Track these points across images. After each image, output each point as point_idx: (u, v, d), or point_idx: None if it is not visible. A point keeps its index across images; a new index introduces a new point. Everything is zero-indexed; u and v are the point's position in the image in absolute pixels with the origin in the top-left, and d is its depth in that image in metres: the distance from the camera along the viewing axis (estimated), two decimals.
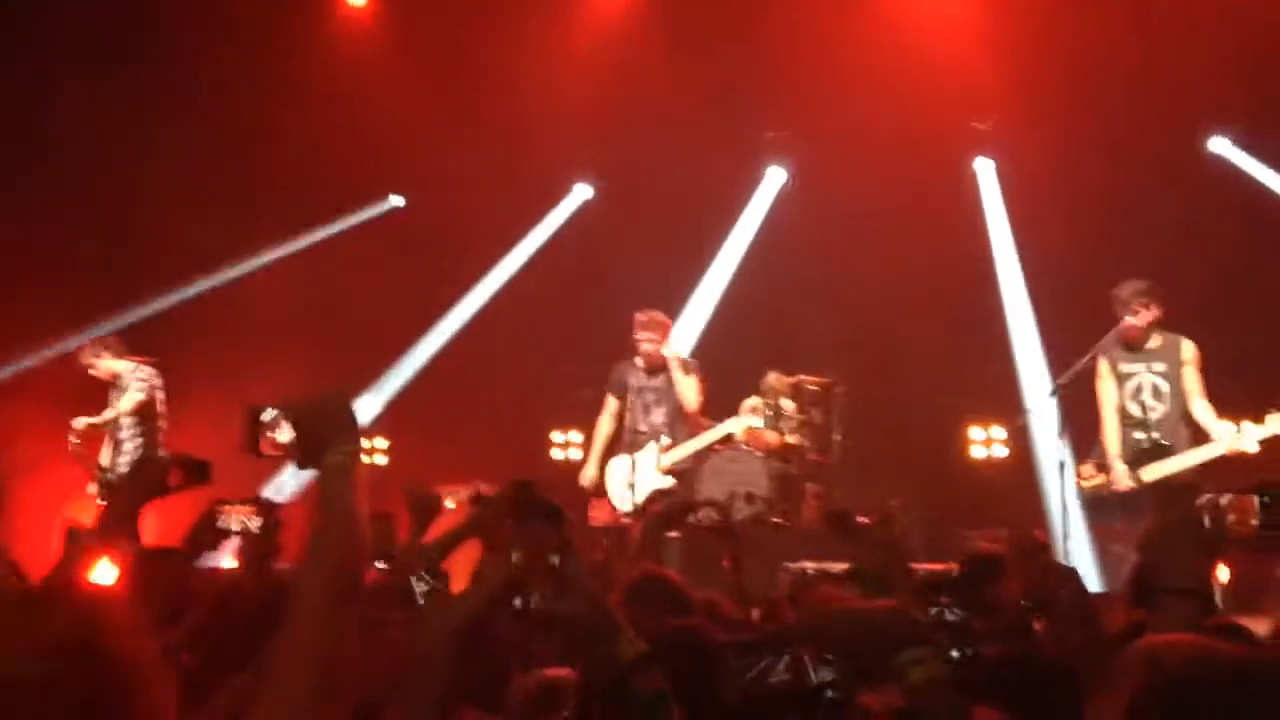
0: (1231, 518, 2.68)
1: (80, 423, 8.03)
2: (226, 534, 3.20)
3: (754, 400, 8.85)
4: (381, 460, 11.01)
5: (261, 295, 10.59)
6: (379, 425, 10.97)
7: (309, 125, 10.13)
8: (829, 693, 1.96)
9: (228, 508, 3.22)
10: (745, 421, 8.03)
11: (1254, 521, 2.54)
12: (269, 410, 2.03)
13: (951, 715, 2.12)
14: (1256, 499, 2.61)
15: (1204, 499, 2.43)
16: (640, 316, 7.94)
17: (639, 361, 7.99)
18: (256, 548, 3.23)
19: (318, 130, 10.13)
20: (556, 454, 10.80)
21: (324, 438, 1.83)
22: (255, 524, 3.22)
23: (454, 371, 10.94)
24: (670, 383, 7.90)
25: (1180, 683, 1.42)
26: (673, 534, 7.82)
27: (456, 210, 10.66)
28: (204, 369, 9.40)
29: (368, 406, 10.77)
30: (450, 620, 2.04)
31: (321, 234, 11.08)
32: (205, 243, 10.28)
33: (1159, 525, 2.32)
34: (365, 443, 10.66)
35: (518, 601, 2.02)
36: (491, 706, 2.19)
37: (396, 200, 11.45)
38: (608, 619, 1.97)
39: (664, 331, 7.99)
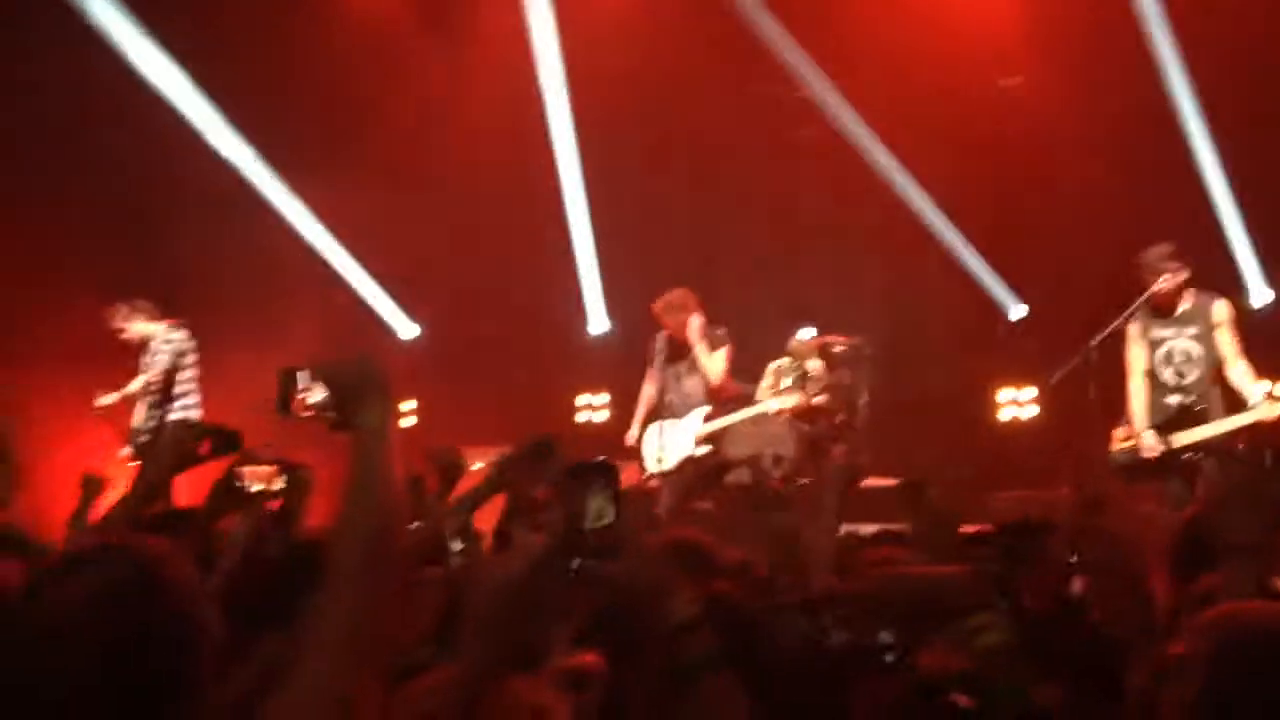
0: None
1: (103, 401, 8.10)
2: (248, 495, 3.20)
3: (778, 364, 8.85)
4: (410, 421, 11.08)
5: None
6: (408, 386, 11.03)
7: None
8: (889, 655, 1.93)
9: (249, 469, 3.22)
10: (780, 403, 8.06)
11: None
12: (302, 371, 2.03)
13: (1018, 685, 2.12)
14: None
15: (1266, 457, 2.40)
16: (657, 307, 7.99)
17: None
18: (280, 509, 3.24)
19: None
20: (582, 416, 10.84)
21: (358, 400, 1.83)
22: (277, 485, 3.22)
23: (480, 332, 10.96)
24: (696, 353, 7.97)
25: (1259, 649, 1.41)
26: (704, 504, 7.96)
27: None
28: (245, 327, 9.48)
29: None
30: (504, 579, 2.04)
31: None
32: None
33: (1225, 483, 2.30)
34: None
35: (575, 562, 2.00)
36: (536, 669, 2.19)
37: None
38: (659, 579, 1.94)
39: (681, 315, 7.97)
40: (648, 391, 8.22)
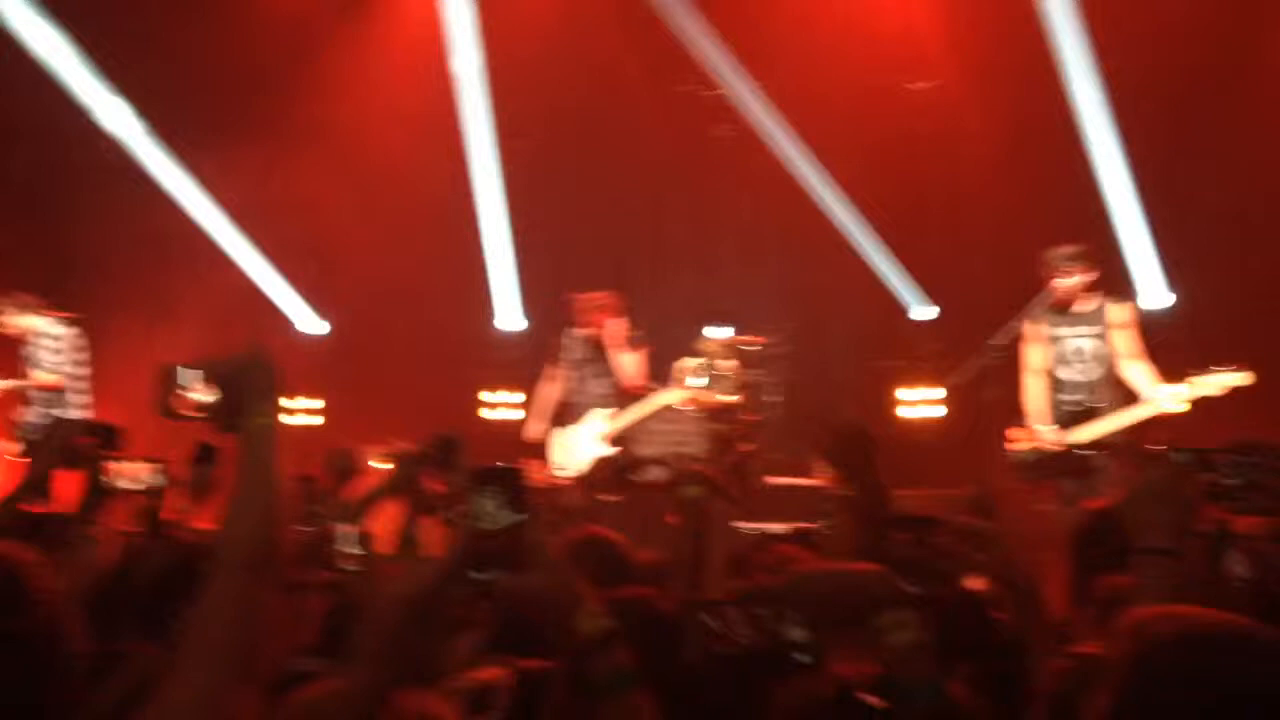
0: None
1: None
2: (116, 493, 3.08)
3: (688, 362, 8.82)
4: (317, 420, 10.86)
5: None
6: (314, 386, 10.81)
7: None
8: (800, 655, 1.88)
9: (117, 465, 3.10)
10: (674, 395, 8.00)
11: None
12: (186, 369, 1.93)
13: (931, 683, 2.09)
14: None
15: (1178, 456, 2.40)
16: (580, 303, 7.89)
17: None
18: (148, 507, 3.13)
19: None
20: (492, 414, 10.72)
21: (245, 399, 1.78)
22: (148, 482, 3.10)
23: (387, 332, 10.77)
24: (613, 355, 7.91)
25: (1181, 655, 1.38)
26: (613, 497, 7.88)
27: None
28: (139, 312, 9.19)
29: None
30: (406, 589, 1.98)
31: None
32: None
33: (1139, 483, 2.28)
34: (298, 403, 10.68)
35: (477, 574, 1.92)
36: (433, 683, 2.11)
37: None
38: (567, 591, 1.88)
39: (600, 315, 7.88)
40: (549, 390, 8.13)
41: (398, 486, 3.51)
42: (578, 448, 7.90)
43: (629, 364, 7.84)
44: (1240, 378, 6.39)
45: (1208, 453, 2.41)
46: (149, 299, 9.86)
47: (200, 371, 1.89)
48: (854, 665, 1.97)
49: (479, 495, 1.94)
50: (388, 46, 10.12)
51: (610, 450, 7.86)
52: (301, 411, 10.87)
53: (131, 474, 3.11)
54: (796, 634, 1.86)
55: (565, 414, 7.99)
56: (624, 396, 7.94)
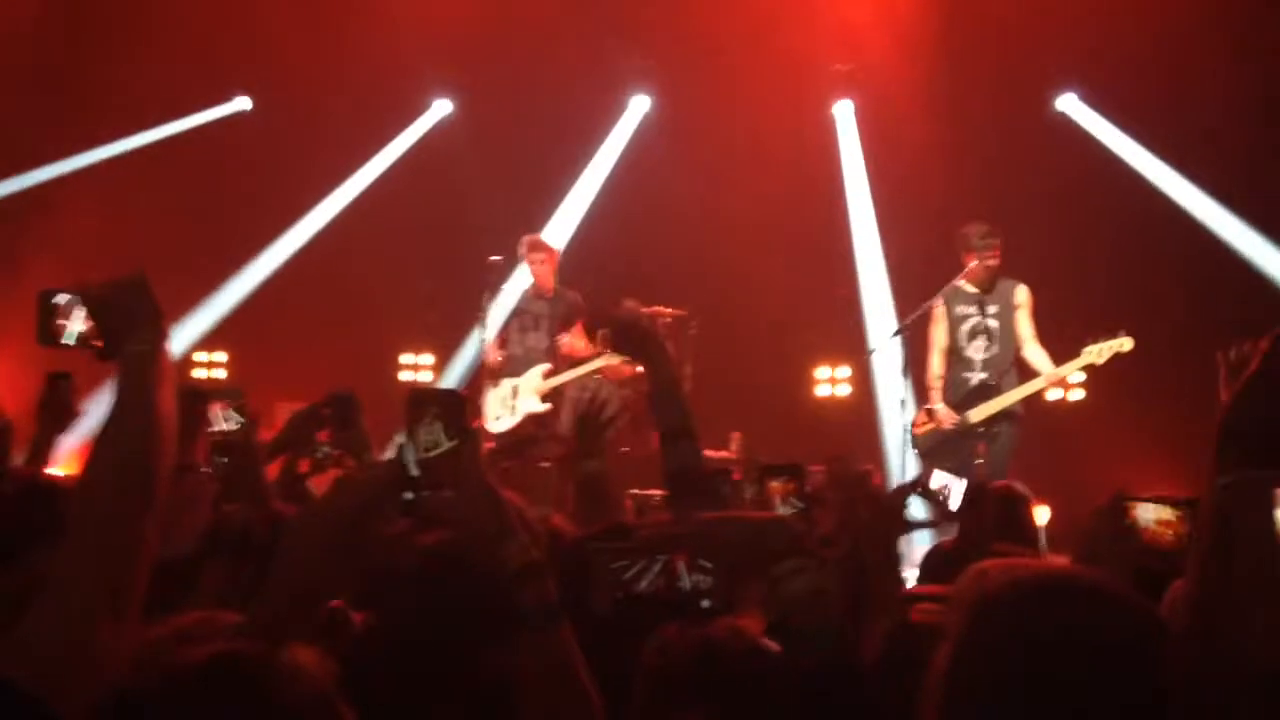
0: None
1: None
2: None
3: (605, 329, 8.83)
4: (221, 374, 10.64)
5: (96, 194, 10.01)
6: (219, 338, 10.60)
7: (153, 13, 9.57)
8: (705, 602, 1.88)
9: None
10: (619, 358, 8.05)
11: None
12: (65, 296, 1.87)
13: (828, 630, 2.10)
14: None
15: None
16: (528, 238, 8.06)
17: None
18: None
19: (160, 20, 9.57)
20: (405, 375, 10.61)
21: (124, 325, 1.72)
22: None
23: (301, 286, 10.57)
24: (550, 308, 8.01)
25: (1008, 599, 1.41)
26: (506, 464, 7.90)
27: (308, 115, 10.24)
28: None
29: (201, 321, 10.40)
30: (324, 515, 1.93)
31: (160, 133, 10.51)
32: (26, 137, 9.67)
33: (1094, 539, 2.36)
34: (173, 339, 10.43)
35: (408, 495, 1.88)
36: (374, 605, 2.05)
37: (243, 101, 10.90)
38: (499, 520, 1.82)
39: (552, 257, 8.07)
40: (484, 339, 8.04)
41: (286, 443, 3.48)
42: (515, 402, 7.90)
43: (580, 335, 7.97)
44: (1123, 344, 6.66)
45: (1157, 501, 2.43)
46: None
47: (77, 296, 1.84)
48: (752, 623, 2.01)
49: (417, 420, 1.91)
50: None
51: (543, 407, 7.90)
52: (203, 365, 10.66)
53: None
54: (700, 580, 1.87)
55: (502, 368, 8.02)
56: (560, 356, 8.01)
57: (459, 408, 1.92)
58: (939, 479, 2.89)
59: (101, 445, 1.65)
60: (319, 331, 10.20)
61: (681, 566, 1.86)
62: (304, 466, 3.63)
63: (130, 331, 1.72)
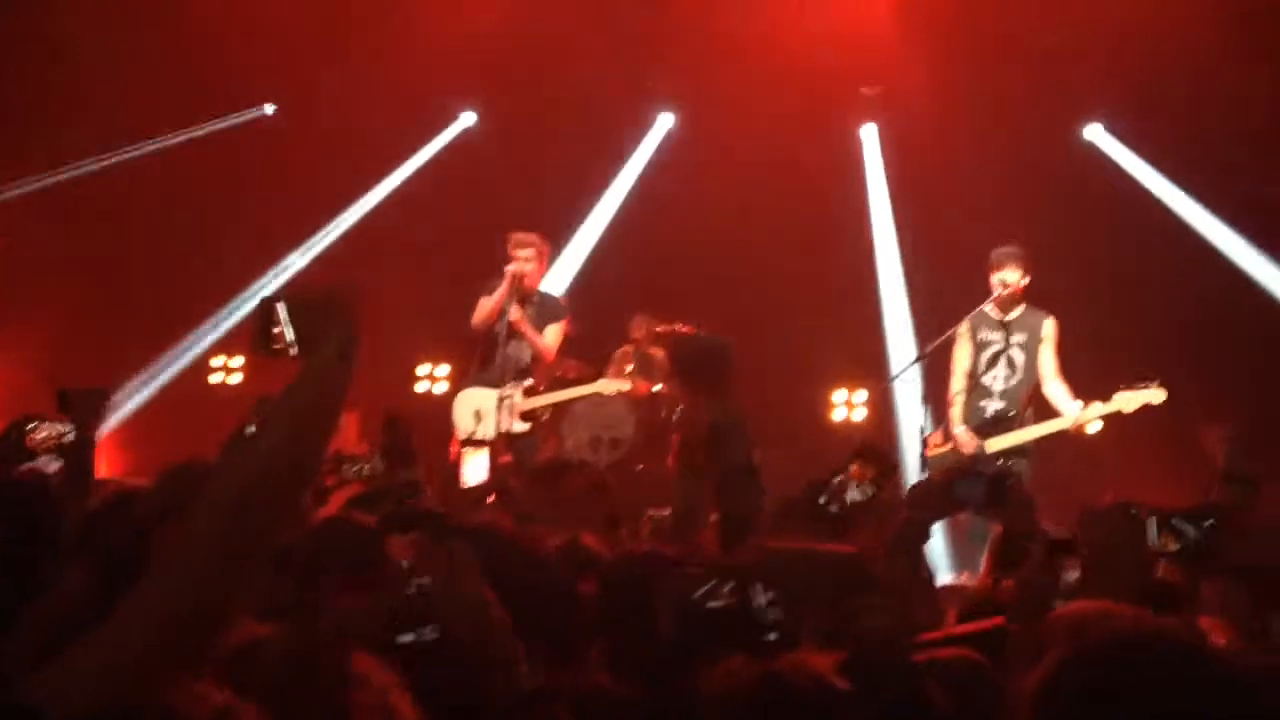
0: None
1: None
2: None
3: (625, 349, 8.83)
4: (236, 379, 10.64)
5: (119, 197, 10.04)
6: (236, 343, 10.58)
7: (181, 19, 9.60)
8: (773, 635, 1.86)
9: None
10: (615, 385, 7.85)
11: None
12: (279, 303, 1.79)
13: (900, 669, 2.06)
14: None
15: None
16: (517, 234, 7.43)
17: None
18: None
19: (188, 26, 9.61)
20: (421, 386, 10.58)
21: (319, 333, 1.69)
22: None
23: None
24: (535, 313, 7.46)
25: (1104, 653, 1.39)
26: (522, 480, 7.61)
27: (332, 124, 10.26)
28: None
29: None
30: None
31: (184, 136, 10.52)
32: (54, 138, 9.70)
33: (1100, 543, 2.34)
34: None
35: (405, 637, 1.80)
36: None
37: (269, 108, 10.92)
38: (502, 648, 1.76)
39: (542, 255, 7.49)
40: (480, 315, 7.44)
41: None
42: (488, 413, 7.32)
43: (549, 337, 7.46)
44: (1154, 396, 6.58)
45: (1165, 513, 2.43)
46: None
47: (286, 304, 1.79)
48: (823, 659, 1.96)
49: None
50: None
51: (521, 427, 7.35)
52: (220, 370, 10.67)
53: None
54: (769, 612, 1.83)
55: (484, 371, 7.48)
56: (541, 368, 7.54)
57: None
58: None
59: (231, 451, 1.63)
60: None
61: (755, 589, 1.82)
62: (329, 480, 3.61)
63: (321, 339, 1.69)
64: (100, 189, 10.07)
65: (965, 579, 5.75)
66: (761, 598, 1.84)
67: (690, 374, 3.08)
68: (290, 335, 1.76)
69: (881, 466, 2.50)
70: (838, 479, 2.52)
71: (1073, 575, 2.32)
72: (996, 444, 6.92)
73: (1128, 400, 6.60)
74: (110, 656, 1.34)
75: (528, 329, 7.40)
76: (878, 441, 2.63)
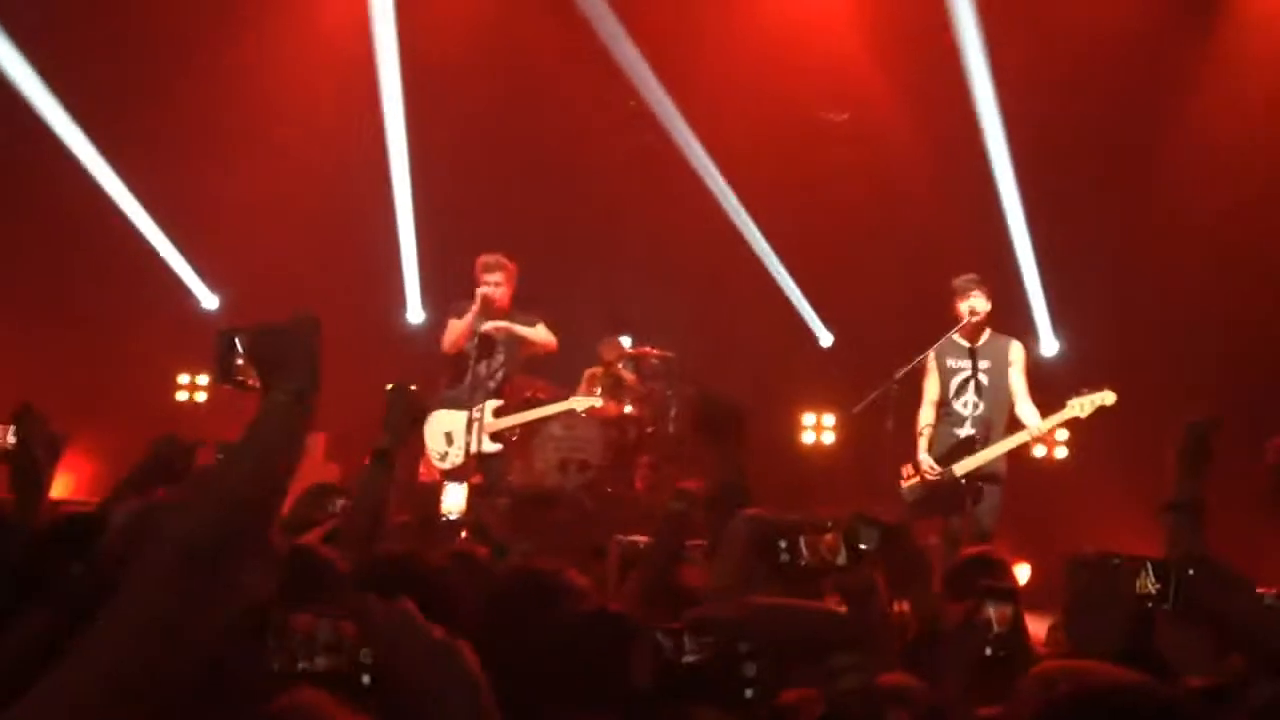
0: None
1: None
2: None
3: (595, 369, 8.82)
4: (202, 396, 10.52)
5: None
6: (200, 363, 10.46)
7: None
8: (749, 691, 1.82)
9: None
10: (587, 402, 7.91)
11: None
12: (240, 335, 1.78)
13: None
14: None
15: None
16: (485, 259, 7.43)
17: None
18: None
19: None
20: None
21: (271, 369, 1.63)
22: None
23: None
24: (509, 335, 7.44)
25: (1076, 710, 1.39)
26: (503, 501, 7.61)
27: None
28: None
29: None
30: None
31: None
32: None
33: (1080, 592, 2.35)
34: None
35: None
36: None
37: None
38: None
39: (510, 276, 7.46)
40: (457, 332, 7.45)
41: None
42: (459, 435, 7.35)
43: (542, 333, 7.48)
44: (1106, 398, 6.71)
45: (1144, 561, 2.43)
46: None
47: (241, 335, 1.77)
48: (799, 697, 1.96)
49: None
50: (308, 38, 9.93)
51: (493, 448, 7.40)
52: (186, 388, 10.55)
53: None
54: (746, 667, 1.81)
55: (445, 392, 7.53)
56: (512, 388, 7.60)
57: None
58: None
59: (193, 490, 1.58)
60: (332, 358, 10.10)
61: (729, 646, 1.80)
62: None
63: (282, 374, 1.63)
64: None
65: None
66: (739, 655, 1.82)
67: (714, 432, 3.10)
68: (251, 368, 1.73)
69: (858, 553, 2.40)
70: (804, 539, 2.45)
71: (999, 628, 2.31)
72: (964, 466, 6.99)
73: (1080, 405, 6.73)
74: (69, 694, 1.31)
75: (518, 328, 7.44)
76: (877, 519, 2.50)
